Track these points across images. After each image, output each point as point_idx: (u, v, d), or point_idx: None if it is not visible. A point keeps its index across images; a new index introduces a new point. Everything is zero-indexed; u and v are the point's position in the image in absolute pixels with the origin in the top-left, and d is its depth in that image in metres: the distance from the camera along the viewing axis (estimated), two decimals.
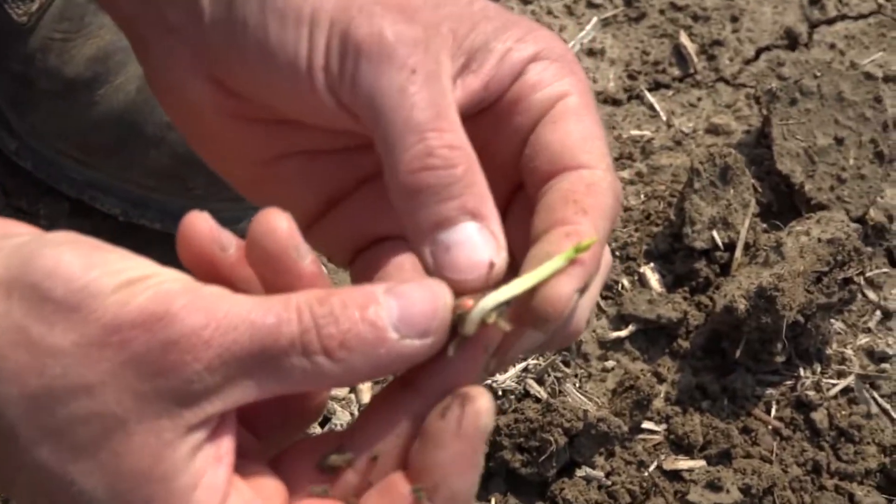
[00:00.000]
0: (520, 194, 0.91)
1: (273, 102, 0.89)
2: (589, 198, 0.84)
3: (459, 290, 0.80)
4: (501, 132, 0.89)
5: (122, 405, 0.74)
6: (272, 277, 0.81)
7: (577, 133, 0.87)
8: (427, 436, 0.79)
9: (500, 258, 0.81)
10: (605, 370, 1.85)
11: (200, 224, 0.82)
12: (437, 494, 0.78)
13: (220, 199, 1.76)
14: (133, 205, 1.83)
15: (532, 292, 0.80)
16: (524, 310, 0.81)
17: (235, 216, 1.75)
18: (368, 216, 0.95)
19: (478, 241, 0.80)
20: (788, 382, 1.85)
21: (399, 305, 0.77)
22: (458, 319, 0.79)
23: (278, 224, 0.80)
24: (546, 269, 0.80)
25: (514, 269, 0.83)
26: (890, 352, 1.89)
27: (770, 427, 1.81)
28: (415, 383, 0.81)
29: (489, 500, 1.73)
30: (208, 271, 0.82)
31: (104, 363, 0.74)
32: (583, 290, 0.82)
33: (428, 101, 0.81)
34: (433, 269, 0.81)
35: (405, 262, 0.90)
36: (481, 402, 0.78)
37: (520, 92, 0.88)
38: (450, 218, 0.80)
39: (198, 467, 0.76)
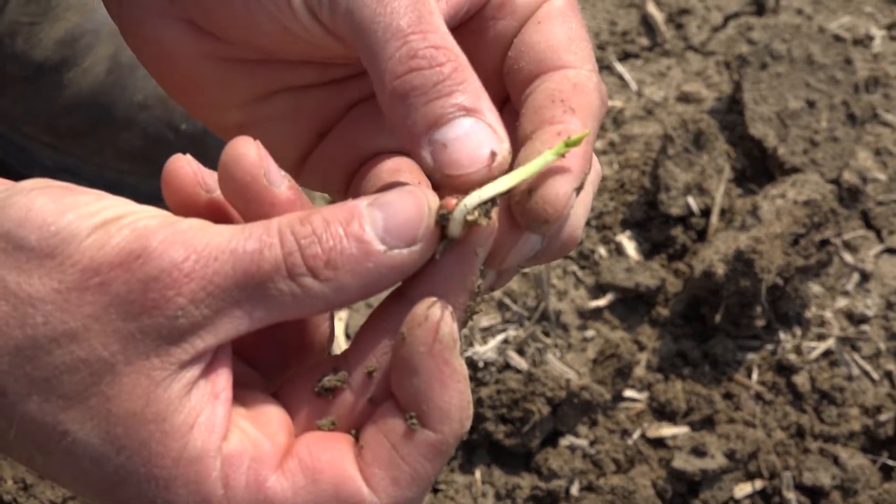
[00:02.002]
0: (507, 106, 0.90)
1: (253, 38, 0.88)
2: (576, 97, 0.83)
3: (463, 188, 0.78)
4: (487, 40, 0.88)
5: (109, 348, 0.73)
6: (246, 208, 0.80)
7: (562, 33, 0.86)
8: (397, 366, 0.78)
9: (502, 148, 0.79)
10: (585, 340, 1.85)
11: (184, 167, 0.81)
12: (429, 417, 0.77)
13: None
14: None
15: (529, 193, 0.79)
16: (522, 211, 0.80)
17: None
18: (358, 135, 0.93)
19: (475, 134, 0.78)
20: (769, 346, 1.85)
21: (384, 216, 0.76)
22: (443, 221, 0.77)
23: (245, 151, 0.79)
24: (534, 164, 0.79)
25: None
26: (869, 313, 1.90)
27: (752, 391, 1.81)
28: (406, 294, 0.80)
29: (474, 473, 1.73)
30: (196, 216, 0.80)
31: (86, 307, 0.73)
32: (578, 191, 0.81)
33: (407, 7, 0.79)
34: (434, 169, 0.79)
35: (401, 165, 0.88)
36: (432, 315, 0.77)
37: None
38: (443, 115, 0.78)
39: (193, 405, 0.75)
